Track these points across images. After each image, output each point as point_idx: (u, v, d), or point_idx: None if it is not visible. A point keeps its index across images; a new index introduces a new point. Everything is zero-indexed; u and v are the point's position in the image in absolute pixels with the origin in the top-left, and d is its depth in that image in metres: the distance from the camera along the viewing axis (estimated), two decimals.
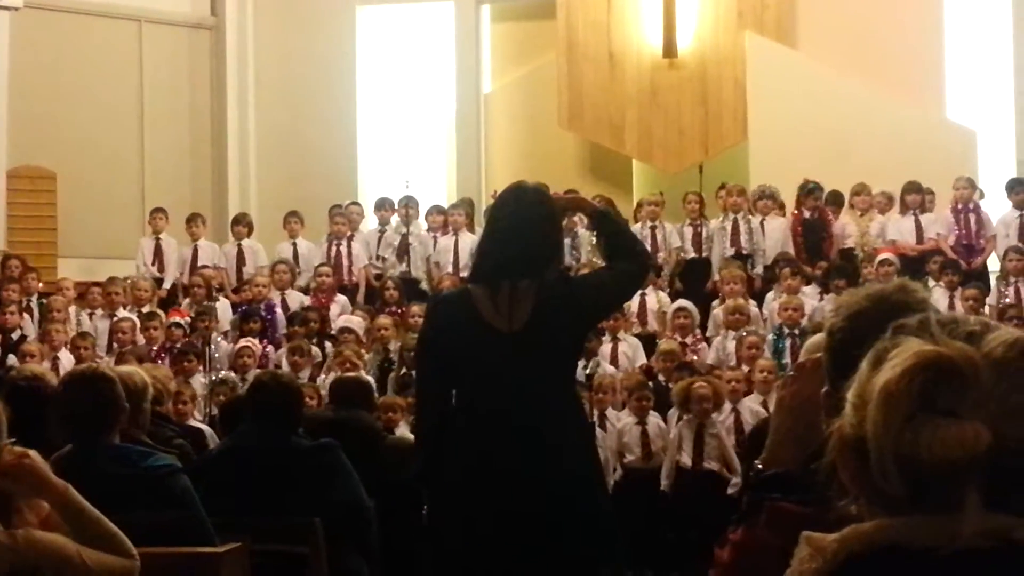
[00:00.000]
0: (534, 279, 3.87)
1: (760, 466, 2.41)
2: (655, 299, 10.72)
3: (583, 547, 3.89)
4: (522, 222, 3.92)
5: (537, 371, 3.86)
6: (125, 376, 4.09)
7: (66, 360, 9.76)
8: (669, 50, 12.92)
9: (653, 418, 8.64)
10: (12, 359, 9.82)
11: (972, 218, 11.21)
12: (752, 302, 10.42)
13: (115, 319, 10.61)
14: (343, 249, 11.67)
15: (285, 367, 9.26)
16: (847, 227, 11.41)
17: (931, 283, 10.09)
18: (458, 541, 3.95)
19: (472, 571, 3.94)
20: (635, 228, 11.73)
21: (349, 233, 11.76)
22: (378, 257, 11.74)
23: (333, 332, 10.28)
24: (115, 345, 10.31)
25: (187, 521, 3.92)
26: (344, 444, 4.97)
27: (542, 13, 13.37)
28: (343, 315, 10.61)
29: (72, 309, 10.96)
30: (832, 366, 2.21)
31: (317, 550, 4.64)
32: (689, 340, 9.80)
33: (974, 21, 13.17)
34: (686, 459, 8.35)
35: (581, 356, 4.23)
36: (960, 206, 11.24)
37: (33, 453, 3.11)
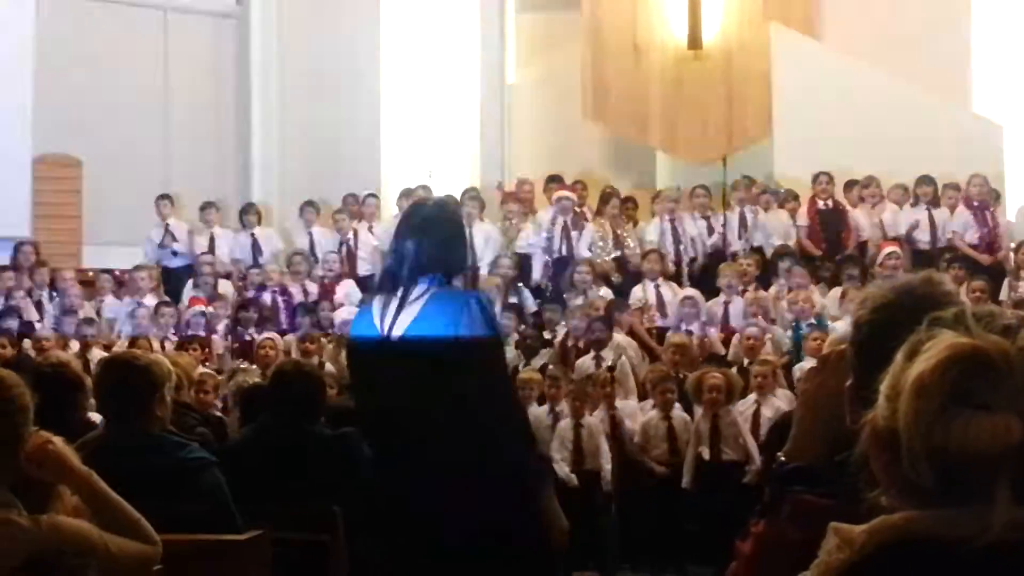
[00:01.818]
0: (429, 287, 3.83)
1: (783, 459, 2.40)
2: (670, 291, 10.72)
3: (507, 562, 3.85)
4: (411, 237, 3.89)
5: (420, 377, 3.79)
6: (151, 363, 4.11)
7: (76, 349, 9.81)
8: (694, 42, 12.88)
9: (678, 412, 8.60)
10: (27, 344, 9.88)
11: (988, 216, 11.17)
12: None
13: (136, 307, 10.65)
14: (360, 240, 11.68)
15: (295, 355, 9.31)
16: (859, 219, 11.40)
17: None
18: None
19: None
20: (654, 222, 11.77)
21: (354, 226, 11.75)
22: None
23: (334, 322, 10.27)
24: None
25: (215, 513, 3.94)
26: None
27: (567, 4, 13.34)
28: (345, 307, 10.56)
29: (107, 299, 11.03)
30: (857, 358, 2.19)
31: (337, 538, 4.65)
32: (695, 327, 9.81)
33: (1001, 14, 13.08)
34: (705, 451, 8.33)
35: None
36: (976, 203, 11.20)
37: (57, 439, 3.14)
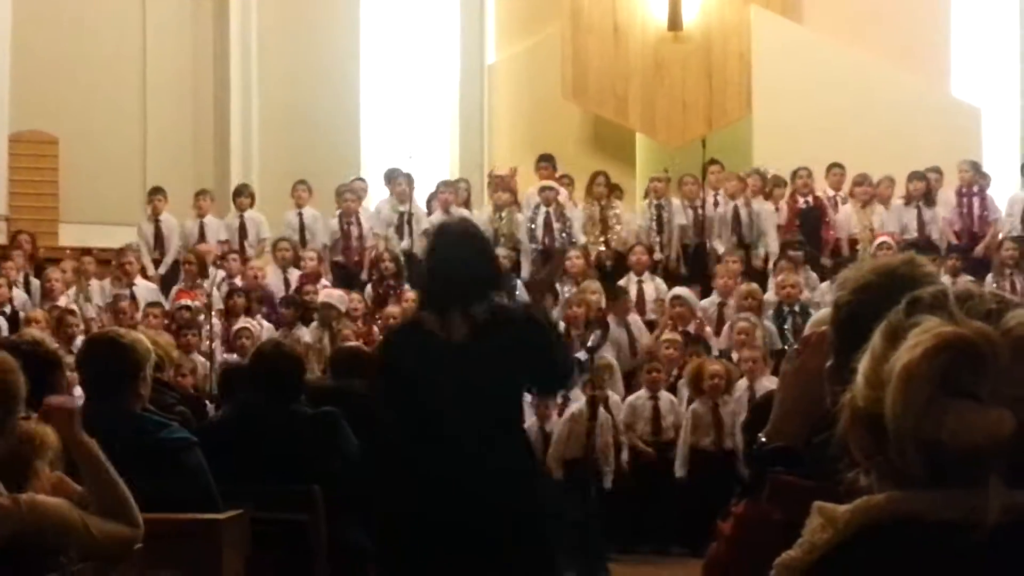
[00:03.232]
0: (479, 304, 4.19)
1: (764, 440, 2.41)
2: (652, 287, 10.66)
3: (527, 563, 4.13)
4: (464, 255, 4.27)
5: (482, 380, 4.12)
6: (134, 342, 4.10)
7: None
8: (674, 23, 12.87)
9: (666, 393, 8.64)
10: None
11: (976, 202, 11.18)
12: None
13: (117, 295, 10.54)
14: (354, 230, 11.59)
15: None
16: (851, 218, 11.35)
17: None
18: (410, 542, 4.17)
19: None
20: (643, 204, 11.73)
21: (357, 210, 11.69)
22: (375, 234, 11.65)
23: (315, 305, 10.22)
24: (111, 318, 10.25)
25: (196, 492, 3.94)
26: (344, 413, 4.98)
27: None
28: (325, 289, 10.49)
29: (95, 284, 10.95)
30: (838, 339, 2.20)
31: (317, 518, 4.66)
32: (691, 328, 9.73)
33: None
34: (706, 441, 8.37)
35: (519, 391, 4.51)
36: (964, 189, 11.21)
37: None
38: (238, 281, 10.91)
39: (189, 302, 10.24)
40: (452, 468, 4.06)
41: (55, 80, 12.59)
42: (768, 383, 8.47)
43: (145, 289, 10.76)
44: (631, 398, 8.72)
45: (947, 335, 1.29)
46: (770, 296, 10.13)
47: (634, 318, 9.92)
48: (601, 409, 7.89)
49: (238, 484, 4.37)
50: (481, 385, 4.11)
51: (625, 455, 8.40)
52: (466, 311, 4.16)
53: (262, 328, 10.03)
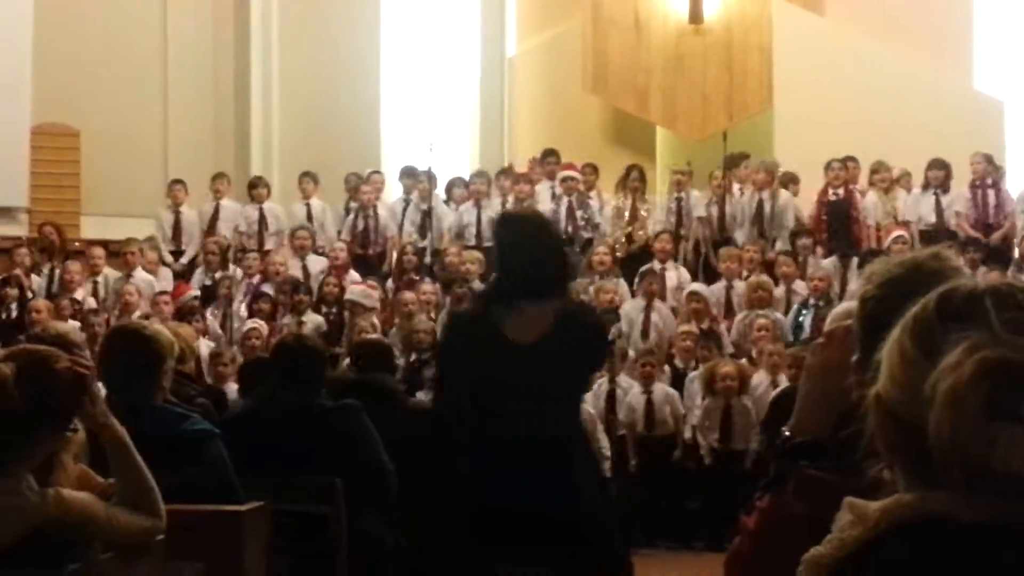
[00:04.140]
0: (550, 301, 4.13)
1: (788, 433, 2.40)
2: (675, 276, 10.66)
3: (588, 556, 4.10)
4: (535, 248, 4.19)
5: (547, 382, 4.07)
6: (157, 334, 4.11)
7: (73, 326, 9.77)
8: (695, 16, 12.82)
9: (660, 386, 8.65)
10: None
11: (991, 194, 11.12)
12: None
13: (128, 283, 10.59)
14: (371, 222, 11.60)
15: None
16: (875, 205, 11.31)
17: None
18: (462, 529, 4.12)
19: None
20: (662, 198, 11.71)
21: (375, 202, 11.70)
22: (401, 228, 11.67)
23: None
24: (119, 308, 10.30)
25: (217, 484, 3.95)
26: (366, 406, 4.98)
27: None
28: (351, 286, 10.48)
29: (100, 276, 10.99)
30: (864, 334, 2.19)
31: (337, 510, 4.66)
32: (705, 325, 9.72)
33: None
34: (711, 438, 8.39)
35: (586, 388, 4.70)
36: (978, 182, 11.16)
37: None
38: (255, 280, 10.95)
39: (192, 294, 10.33)
40: (511, 463, 4.01)
41: (76, 73, 12.64)
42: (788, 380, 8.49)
43: (142, 280, 10.73)
44: (627, 396, 8.69)
45: (992, 361, 1.26)
46: (801, 289, 10.09)
47: (660, 304, 9.88)
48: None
49: (258, 476, 4.37)
50: (544, 388, 4.04)
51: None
52: (536, 309, 4.08)
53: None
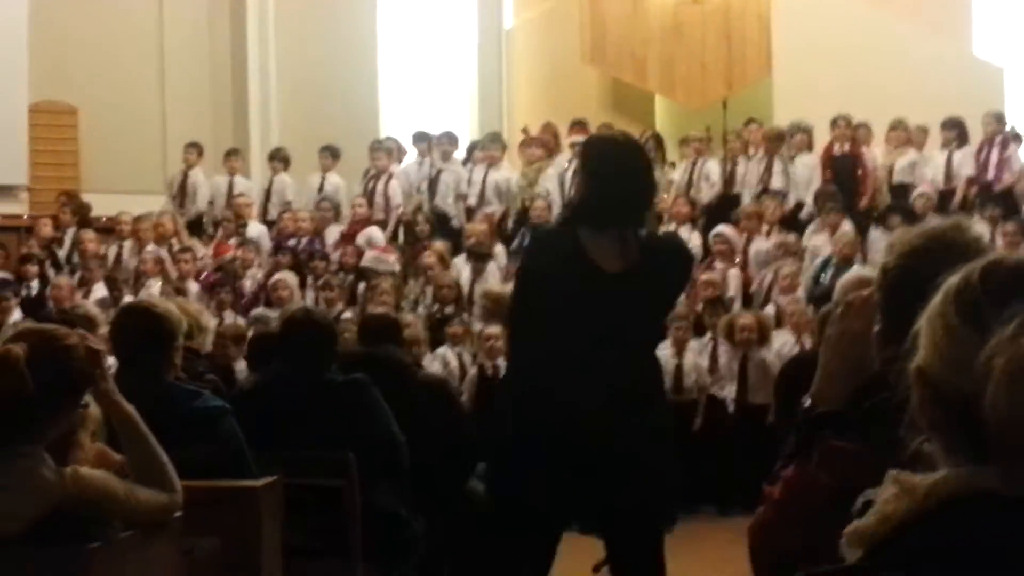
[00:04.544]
0: (636, 227, 3.99)
1: (809, 403, 2.41)
2: (687, 236, 10.69)
3: (646, 501, 3.96)
4: (625, 171, 4.02)
5: (635, 313, 3.92)
6: (169, 311, 4.12)
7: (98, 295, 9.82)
8: None
9: (691, 352, 8.64)
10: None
11: (995, 153, 11.09)
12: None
13: (143, 253, 10.66)
14: (379, 186, 11.62)
15: (310, 301, 9.39)
16: (876, 160, 11.30)
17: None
18: (525, 466, 3.95)
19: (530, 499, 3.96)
20: (680, 165, 11.72)
21: (391, 169, 11.72)
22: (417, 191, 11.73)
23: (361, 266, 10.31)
24: (141, 279, 10.35)
25: (230, 460, 3.96)
26: (375, 380, 4.98)
27: None
28: (368, 254, 10.55)
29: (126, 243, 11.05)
30: (886, 304, 2.20)
31: (351, 484, 4.67)
32: (736, 261, 9.80)
33: None
34: (725, 392, 8.39)
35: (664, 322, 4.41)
36: (987, 142, 11.12)
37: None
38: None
39: (233, 255, 10.39)
40: (587, 392, 3.83)
41: (73, 50, 12.59)
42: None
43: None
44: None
45: None
46: (824, 248, 10.07)
47: None
48: None
49: (270, 451, 4.38)
50: (629, 317, 3.89)
51: None
52: (623, 234, 3.92)
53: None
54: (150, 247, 10.84)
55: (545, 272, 3.99)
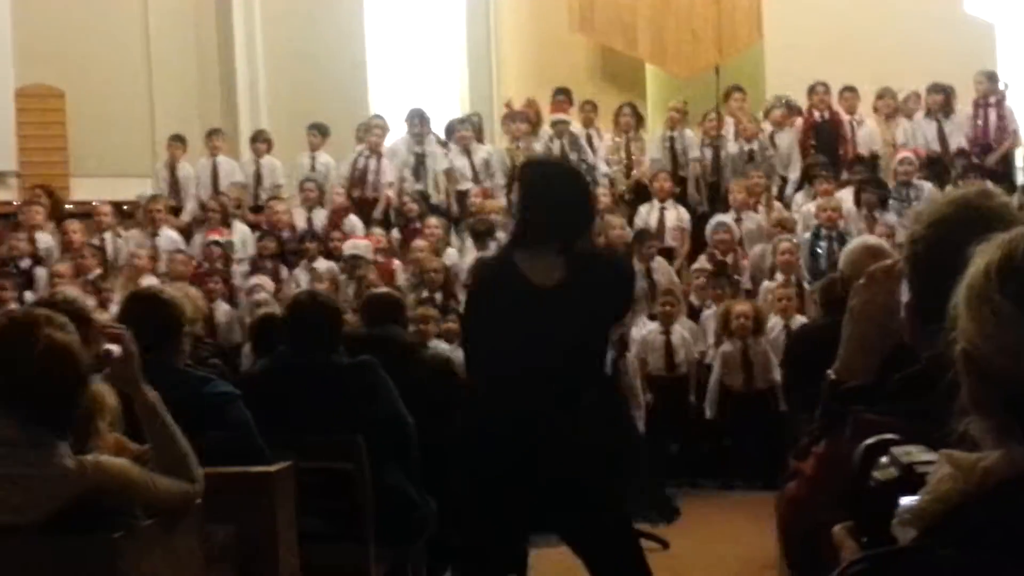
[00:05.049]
0: (571, 246, 4.16)
1: (834, 377, 2.39)
2: (675, 214, 10.64)
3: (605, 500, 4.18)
4: (558, 195, 4.20)
5: (568, 324, 4.08)
6: (177, 298, 4.10)
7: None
8: None
9: (679, 328, 8.65)
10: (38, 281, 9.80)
11: (993, 114, 11.07)
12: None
13: (149, 241, 10.57)
14: (371, 164, 11.53)
15: (305, 285, 9.34)
16: (873, 133, 11.26)
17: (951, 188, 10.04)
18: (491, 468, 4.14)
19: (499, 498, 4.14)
20: (656, 135, 11.64)
21: (380, 148, 11.64)
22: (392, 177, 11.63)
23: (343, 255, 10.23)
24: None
25: (242, 446, 3.95)
26: (379, 360, 4.96)
27: None
28: (350, 240, 10.46)
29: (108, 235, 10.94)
30: (915, 274, 2.18)
31: (361, 466, 4.66)
32: (730, 259, 9.71)
33: None
34: (736, 382, 8.40)
35: (607, 338, 4.63)
36: (981, 101, 11.10)
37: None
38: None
39: (219, 237, 10.30)
40: (536, 407, 4.03)
41: (58, 32, 12.47)
42: (798, 320, 8.52)
43: (167, 239, 10.71)
44: (644, 332, 8.72)
45: None
46: (807, 216, 10.08)
47: (659, 262, 9.87)
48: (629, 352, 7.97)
49: (279, 436, 4.37)
50: (569, 331, 4.07)
51: (649, 397, 8.40)
52: (560, 253, 4.11)
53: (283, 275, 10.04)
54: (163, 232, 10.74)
55: (486, 292, 4.31)
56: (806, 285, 9.04)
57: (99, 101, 12.62)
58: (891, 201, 10.07)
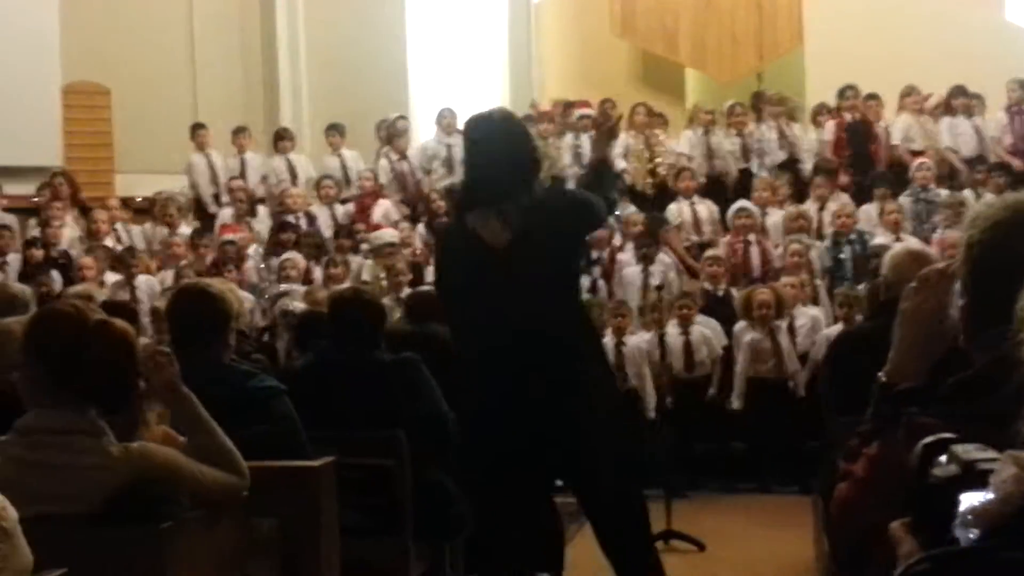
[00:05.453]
0: (521, 197, 4.17)
1: (885, 379, 2.38)
2: (706, 208, 10.66)
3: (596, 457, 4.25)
4: (497, 147, 4.19)
5: (530, 275, 4.12)
6: (224, 293, 4.12)
7: (110, 278, 9.83)
8: None
9: (698, 327, 8.64)
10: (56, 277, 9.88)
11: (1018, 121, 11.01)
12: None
13: (170, 236, 10.67)
14: (405, 166, 11.63)
15: (319, 279, 9.42)
16: (910, 129, 11.19)
17: (967, 192, 10.06)
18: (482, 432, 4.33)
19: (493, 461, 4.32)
20: (687, 134, 11.60)
21: (405, 148, 11.71)
22: (427, 172, 11.71)
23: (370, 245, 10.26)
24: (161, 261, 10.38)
25: (286, 440, 3.97)
26: (422, 357, 4.98)
27: None
28: (382, 229, 10.52)
29: (119, 225, 11.05)
30: (972, 278, 2.17)
31: (403, 463, 4.68)
32: (752, 238, 9.76)
33: None
34: (764, 368, 8.39)
35: (577, 267, 4.67)
36: (1014, 108, 11.05)
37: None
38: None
39: (233, 236, 10.36)
40: (521, 365, 4.11)
41: (104, 31, 12.59)
42: (809, 311, 8.55)
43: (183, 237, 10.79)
44: (665, 334, 8.70)
45: None
46: (825, 225, 10.09)
47: (670, 261, 9.86)
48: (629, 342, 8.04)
49: (322, 431, 4.39)
50: (524, 281, 4.10)
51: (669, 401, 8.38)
52: (507, 210, 4.11)
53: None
54: (181, 228, 10.84)
55: (448, 258, 4.34)
56: (818, 281, 9.17)
57: (144, 99, 12.74)
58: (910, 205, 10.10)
